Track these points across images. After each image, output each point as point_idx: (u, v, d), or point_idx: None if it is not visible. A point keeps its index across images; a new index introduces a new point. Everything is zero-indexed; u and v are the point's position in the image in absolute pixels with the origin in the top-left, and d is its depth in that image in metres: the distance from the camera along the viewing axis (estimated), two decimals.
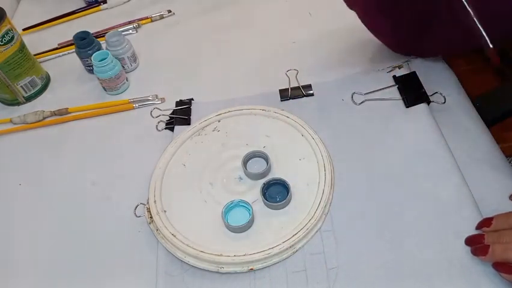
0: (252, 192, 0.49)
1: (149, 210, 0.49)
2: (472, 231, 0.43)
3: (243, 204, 0.47)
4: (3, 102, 0.69)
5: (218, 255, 0.44)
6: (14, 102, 0.68)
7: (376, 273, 0.42)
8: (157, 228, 0.47)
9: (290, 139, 0.53)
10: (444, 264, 0.42)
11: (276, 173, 0.50)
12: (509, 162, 0.51)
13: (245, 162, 0.51)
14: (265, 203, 0.48)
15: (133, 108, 0.63)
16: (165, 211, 0.49)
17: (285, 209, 0.47)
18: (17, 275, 0.49)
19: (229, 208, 0.47)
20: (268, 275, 0.44)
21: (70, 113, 0.65)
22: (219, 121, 0.56)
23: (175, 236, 0.46)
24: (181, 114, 0.59)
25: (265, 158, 0.51)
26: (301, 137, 0.53)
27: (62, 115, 0.65)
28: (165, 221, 0.48)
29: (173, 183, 0.51)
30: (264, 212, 0.47)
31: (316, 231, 0.46)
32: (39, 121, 0.64)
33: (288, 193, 0.47)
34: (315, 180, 0.49)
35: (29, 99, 0.69)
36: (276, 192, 0.48)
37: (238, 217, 0.47)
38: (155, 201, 0.49)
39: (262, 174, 0.50)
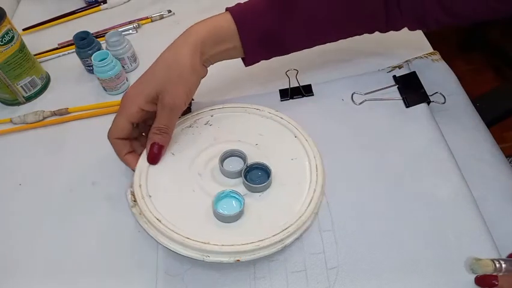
0: (243, 186, 0.49)
1: (133, 194, 0.48)
2: (472, 231, 0.43)
3: (234, 195, 0.47)
4: (3, 102, 0.69)
5: (205, 243, 0.43)
6: (14, 102, 0.68)
7: (376, 273, 0.42)
8: (140, 212, 0.46)
9: (283, 139, 0.53)
10: (445, 264, 0.42)
11: None
12: (509, 162, 0.51)
13: (222, 160, 0.50)
14: (245, 185, 0.48)
15: None
16: (150, 196, 0.47)
17: (277, 204, 0.47)
18: (16, 275, 0.49)
19: (220, 197, 0.47)
20: (268, 275, 0.44)
21: (70, 113, 0.65)
22: (212, 116, 0.56)
23: (160, 221, 0.45)
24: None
25: (243, 158, 0.50)
26: (294, 138, 0.52)
27: (62, 115, 0.65)
28: (150, 205, 0.46)
29: (160, 169, 0.50)
30: (254, 205, 0.47)
31: (305, 230, 0.45)
32: (40, 121, 0.64)
33: (268, 177, 0.47)
34: (306, 179, 0.48)
35: (29, 99, 0.69)
36: (257, 176, 0.49)
37: (229, 207, 0.46)
38: (140, 186, 0.48)
39: (239, 173, 0.49)
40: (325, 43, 0.55)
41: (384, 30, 0.55)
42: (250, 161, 0.49)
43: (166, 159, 0.51)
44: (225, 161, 0.51)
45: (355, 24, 0.54)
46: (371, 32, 0.56)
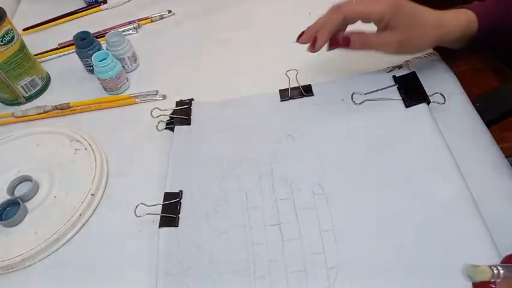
0: None
1: None
2: (472, 231, 0.43)
3: None
4: (3, 103, 0.70)
5: None
6: (14, 102, 0.69)
7: (376, 273, 0.42)
8: None
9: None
10: (445, 264, 0.42)
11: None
12: (509, 162, 0.51)
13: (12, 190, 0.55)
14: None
15: (135, 102, 0.64)
16: None
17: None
18: (16, 275, 0.49)
19: None
20: (268, 275, 0.44)
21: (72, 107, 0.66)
22: None
23: None
24: (182, 114, 0.59)
25: (30, 179, 0.55)
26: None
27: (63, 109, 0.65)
28: None
29: None
30: None
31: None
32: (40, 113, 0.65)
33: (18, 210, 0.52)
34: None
35: (29, 99, 0.69)
36: (14, 212, 0.52)
37: None
38: None
39: (28, 195, 0.54)
40: None
41: None
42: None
43: None
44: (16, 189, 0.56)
45: None
46: None
